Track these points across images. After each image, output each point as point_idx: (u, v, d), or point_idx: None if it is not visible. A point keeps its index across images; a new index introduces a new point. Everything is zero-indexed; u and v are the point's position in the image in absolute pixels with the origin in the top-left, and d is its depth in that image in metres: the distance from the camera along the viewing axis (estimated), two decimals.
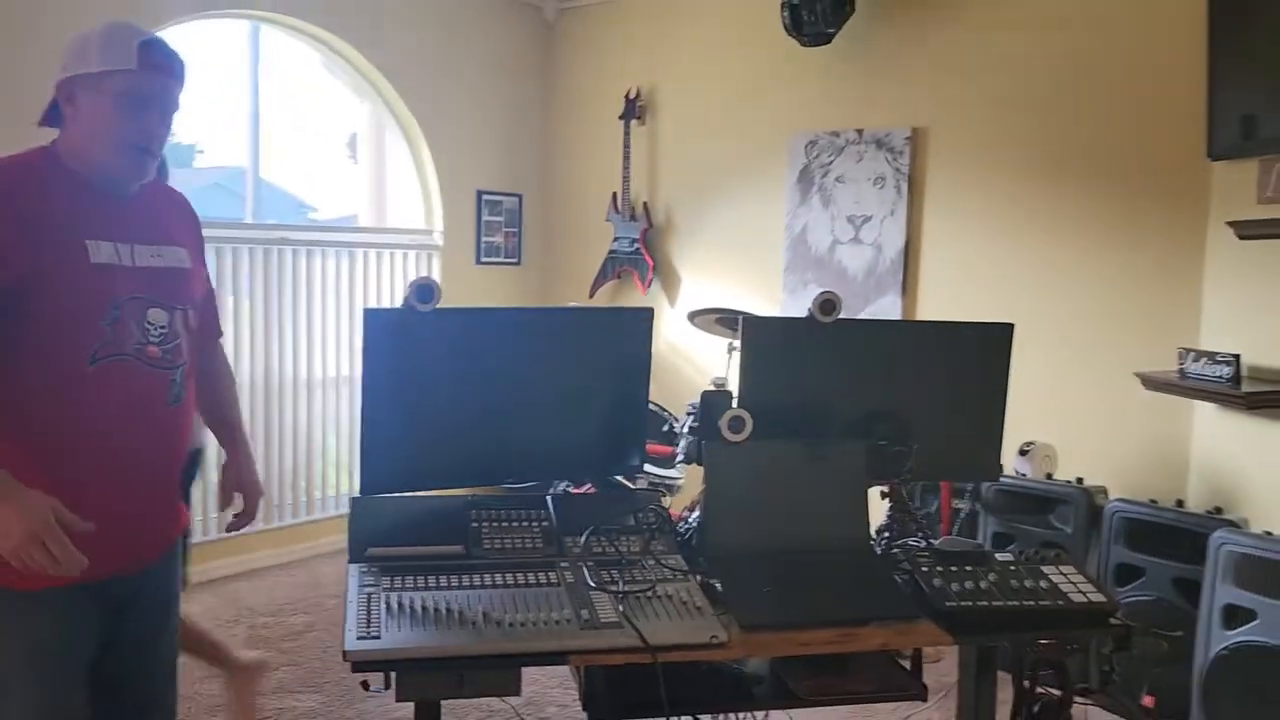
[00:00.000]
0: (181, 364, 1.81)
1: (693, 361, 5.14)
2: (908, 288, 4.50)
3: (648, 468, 4.03)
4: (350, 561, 1.83)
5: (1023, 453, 3.70)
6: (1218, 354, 3.25)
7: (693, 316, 4.17)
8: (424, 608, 1.66)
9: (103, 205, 1.73)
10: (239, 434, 2.09)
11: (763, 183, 4.98)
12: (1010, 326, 2.23)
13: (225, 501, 2.07)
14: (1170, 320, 3.73)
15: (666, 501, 2.56)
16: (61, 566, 1.53)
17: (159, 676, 1.93)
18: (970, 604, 1.81)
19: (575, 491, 3.56)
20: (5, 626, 1.68)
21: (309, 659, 3.70)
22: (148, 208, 1.83)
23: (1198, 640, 2.96)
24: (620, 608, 1.71)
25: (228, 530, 2.11)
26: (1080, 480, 3.58)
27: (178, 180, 1.95)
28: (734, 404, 2.06)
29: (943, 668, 3.43)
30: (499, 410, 2.02)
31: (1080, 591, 1.88)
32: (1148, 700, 3.10)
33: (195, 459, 2.76)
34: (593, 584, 1.78)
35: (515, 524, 1.97)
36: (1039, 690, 2.09)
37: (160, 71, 1.72)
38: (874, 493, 2.14)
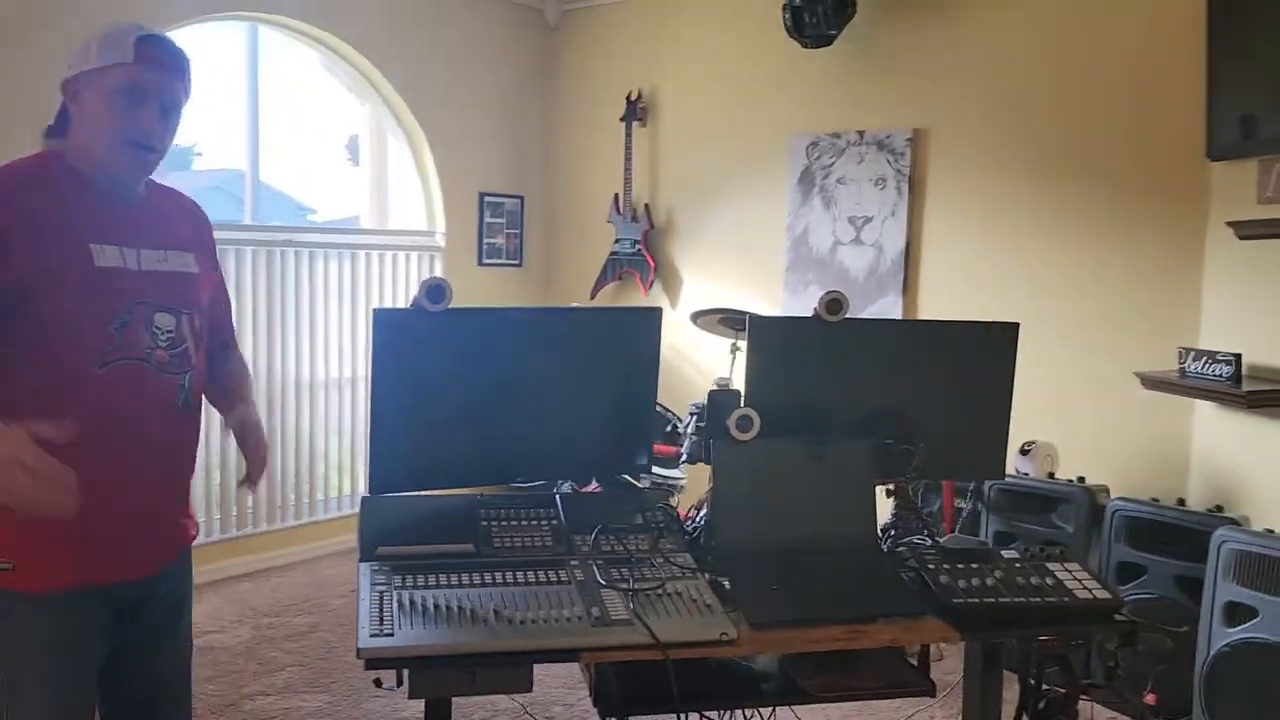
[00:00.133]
0: (190, 369, 1.81)
1: (694, 362, 5.16)
2: (909, 288, 4.52)
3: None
4: (361, 560, 1.84)
5: (1024, 452, 3.72)
6: (1218, 353, 3.27)
7: (696, 317, 4.18)
8: (436, 606, 1.67)
9: (109, 208, 1.74)
10: (250, 403, 2.03)
11: (764, 184, 5.00)
12: (1015, 326, 2.24)
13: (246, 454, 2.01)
14: (1170, 320, 3.75)
15: (672, 501, 2.57)
16: (47, 494, 1.43)
17: (172, 677, 1.93)
18: (977, 600, 1.83)
19: (582, 491, 3.57)
20: (13, 628, 1.69)
21: (314, 659, 3.71)
22: (155, 212, 1.84)
23: (1199, 638, 2.97)
24: (631, 605, 1.72)
25: (238, 485, 2.06)
26: (1082, 479, 3.60)
27: (175, 183, 1.95)
28: (740, 403, 2.08)
29: (945, 666, 3.44)
30: (508, 410, 2.03)
31: (1085, 588, 1.89)
32: (1149, 697, 3.11)
33: None
34: (603, 582, 1.79)
35: (525, 523, 1.98)
36: (1044, 687, 2.10)
37: (157, 65, 1.72)
38: (878, 491, 2.16)
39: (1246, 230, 3.26)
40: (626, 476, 3.13)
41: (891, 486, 2.25)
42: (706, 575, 1.86)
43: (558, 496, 2.08)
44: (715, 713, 2.01)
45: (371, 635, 1.59)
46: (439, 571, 1.78)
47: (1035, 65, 4.10)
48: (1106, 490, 3.58)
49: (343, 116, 5.90)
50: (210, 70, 4.95)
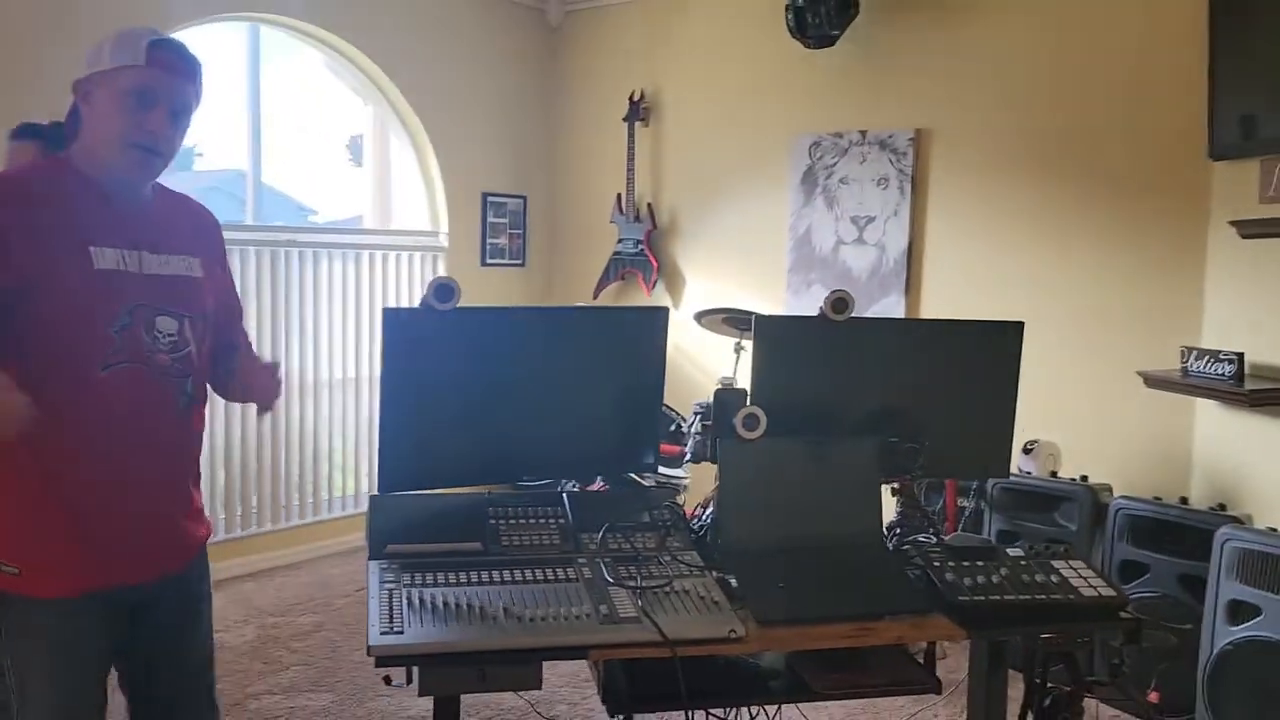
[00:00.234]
0: (192, 373, 1.81)
1: (697, 362, 5.16)
2: (911, 288, 4.52)
3: None
4: (370, 558, 1.84)
5: (1027, 451, 3.73)
6: (1221, 352, 3.28)
7: (700, 317, 4.19)
8: (445, 603, 1.68)
9: (112, 211, 1.74)
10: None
11: (766, 184, 5.01)
12: (1020, 325, 2.25)
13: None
14: (1173, 319, 3.76)
15: (678, 500, 2.58)
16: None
17: (193, 678, 1.93)
18: (983, 598, 1.84)
19: (587, 489, 3.57)
20: (18, 631, 1.70)
21: (319, 658, 3.72)
22: (161, 215, 1.84)
23: (1202, 636, 2.98)
24: (639, 603, 1.73)
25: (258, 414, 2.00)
26: (1084, 478, 3.61)
27: (177, 184, 1.96)
28: (746, 402, 2.09)
29: (949, 664, 3.45)
30: (516, 408, 2.04)
31: (1090, 586, 1.90)
32: (1153, 695, 3.12)
33: None
34: (610, 580, 1.80)
35: (532, 521, 2.00)
36: (1049, 685, 2.11)
37: (168, 69, 1.73)
38: (883, 489, 2.17)
39: (1249, 229, 3.27)
40: (632, 475, 3.13)
41: (896, 485, 2.26)
42: (714, 573, 1.87)
43: (565, 495, 2.09)
44: (722, 710, 2.02)
45: (382, 633, 1.60)
46: (447, 569, 1.79)
47: (1037, 65, 4.11)
48: (1109, 489, 3.59)
49: (345, 117, 5.92)
50: (212, 71, 4.95)
